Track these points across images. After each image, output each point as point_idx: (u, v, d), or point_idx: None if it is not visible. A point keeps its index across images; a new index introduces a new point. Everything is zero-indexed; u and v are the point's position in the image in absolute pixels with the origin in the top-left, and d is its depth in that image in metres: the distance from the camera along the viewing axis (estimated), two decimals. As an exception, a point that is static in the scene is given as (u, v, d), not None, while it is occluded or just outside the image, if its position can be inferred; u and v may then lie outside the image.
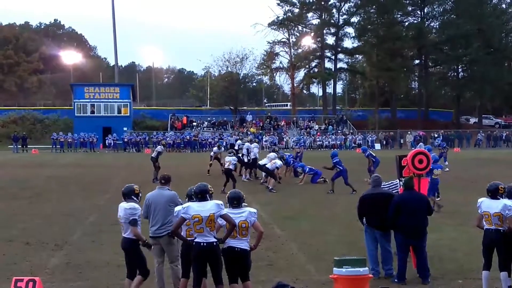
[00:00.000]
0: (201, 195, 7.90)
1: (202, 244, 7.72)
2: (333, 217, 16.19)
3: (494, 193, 9.01)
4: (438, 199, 17.81)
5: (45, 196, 20.56)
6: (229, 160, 22.25)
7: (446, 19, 72.17)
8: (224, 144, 49.90)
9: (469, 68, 72.79)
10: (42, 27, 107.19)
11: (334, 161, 21.82)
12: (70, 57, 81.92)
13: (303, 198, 20.32)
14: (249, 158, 25.10)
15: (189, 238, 8.07)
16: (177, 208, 8.53)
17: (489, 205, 8.95)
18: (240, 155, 26.24)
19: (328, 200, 19.63)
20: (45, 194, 21.19)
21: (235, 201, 8.06)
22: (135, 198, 8.65)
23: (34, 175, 27.45)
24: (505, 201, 8.87)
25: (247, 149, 25.62)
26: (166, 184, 9.39)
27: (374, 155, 24.66)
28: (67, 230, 14.20)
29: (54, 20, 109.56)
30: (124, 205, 8.54)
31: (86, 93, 59.04)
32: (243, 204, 8.18)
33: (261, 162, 23.94)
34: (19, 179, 25.67)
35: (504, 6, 75.19)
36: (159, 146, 26.64)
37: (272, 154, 23.93)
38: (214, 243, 7.78)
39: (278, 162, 22.94)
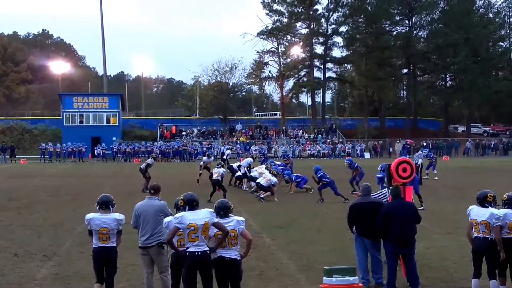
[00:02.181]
0: (196, 203, 7.91)
1: (196, 253, 7.68)
2: (323, 226, 16.18)
3: (482, 201, 9.05)
4: (422, 208, 17.78)
5: (34, 207, 20.42)
6: (218, 171, 22.18)
7: (434, 29, 72.72)
8: (215, 153, 50.12)
9: (457, 77, 73.34)
10: (31, 37, 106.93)
11: (319, 175, 21.83)
12: (58, 67, 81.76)
13: (292, 207, 20.30)
14: (245, 171, 25.27)
15: (180, 249, 8.04)
16: (166, 219, 8.49)
17: (477, 213, 8.99)
18: (236, 166, 26.40)
19: (318, 209, 19.61)
20: (33, 204, 21.05)
21: (222, 211, 8.03)
22: (112, 208, 8.65)
23: (23, 185, 27.30)
24: (493, 210, 8.89)
25: (250, 164, 26.18)
26: (155, 194, 9.33)
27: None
28: (55, 241, 14.10)
29: (43, 30, 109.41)
30: (114, 216, 8.53)
31: (75, 103, 58.86)
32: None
33: (253, 176, 24.06)
34: (7, 190, 25.51)
35: (491, 15, 75.87)
36: (150, 159, 26.47)
37: (266, 172, 23.65)
38: (208, 252, 7.77)
39: (273, 179, 22.81)
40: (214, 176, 22.14)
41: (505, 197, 9.15)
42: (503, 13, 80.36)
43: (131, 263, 11.51)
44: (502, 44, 79.12)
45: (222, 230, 7.84)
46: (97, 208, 8.66)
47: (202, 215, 7.78)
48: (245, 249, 8.16)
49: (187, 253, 7.72)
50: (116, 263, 8.71)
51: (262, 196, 21.86)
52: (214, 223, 7.80)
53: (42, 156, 51.23)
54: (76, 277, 10.71)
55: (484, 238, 8.89)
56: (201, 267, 7.75)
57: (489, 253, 8.91)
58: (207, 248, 7.76)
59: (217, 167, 22.88)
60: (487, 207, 8.97)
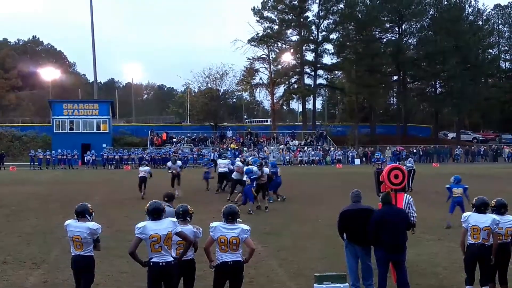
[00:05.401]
0: (157, 214, 7.67)
1: (161, 264, 7.49)
2: (314, 233, 16.17)
3: (479, 208, 9.09)
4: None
5: (23, 214, 20.29)
6: (144, 170, 25.19)
7: (424, 36, 73.24)
8: (205, 159, 50.38)
9: (447, 84, 73.77)
10: (21, 43, 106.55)
11: (249, 175, 21.39)
12: (48, 74, 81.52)
13: (283, 214, 20.28)
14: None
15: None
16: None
17: (478, 219, 8.99)
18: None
19: (309, 216, 19.61)
20: (23, 211, 20.92)
21: (230, 217, 7.95)
22: (88, 217, 8.44)
23: (12, 192, 27.13)
24: (494, 216, 8.96)
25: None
26: (169, 201, 9.41)
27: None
28: (45, 249, 14.01)
29: (33, 36, 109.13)
30: (88, 225, 8.31)
31: (65, 109, 58.64)
32: (238, 220, 8.10)
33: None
34: (-4, 197, 25.33)
35: (480, 23, 76.50)
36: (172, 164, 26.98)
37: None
38: (172, 262, 7.60)
39: (265, 169, 22.65)
40: (141, 174, 24.98)
41: (493, 203, 9.22)
42: (492, 21, 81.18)
43: (122, 271, 11.48)
44: (491, 51, 79.85)
45: (185, 239, 7.79)
46: (75, 216, 8.55)
47: (165, 225, 7.58)
48: (247, 256, 8.08)
49: (151, 263, 7.52)
50: (91, 272, 8.41)
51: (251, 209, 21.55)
52: (178, 232, 7.68)
53: (32, 163, 50.99)
54: (65, 285, 10.62)
55: (482, 245, 8.92)
56: (165, 278, 7.57)
57: (484, 259, 8.95)
58: (171, 259, 7.60)
59: (142, 166, 26.18)
60: (486, 213, 9.03)
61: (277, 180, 23.95)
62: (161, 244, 7.48)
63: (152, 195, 22.20)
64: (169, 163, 28.36)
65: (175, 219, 7.86)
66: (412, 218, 10.67)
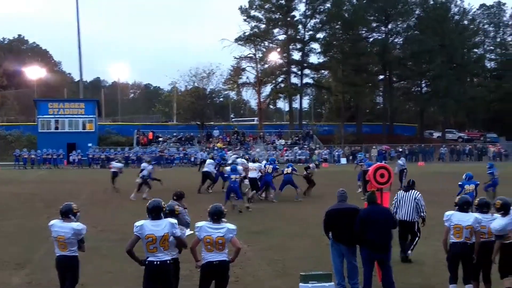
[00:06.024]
0: (155, 213, 7.64)
1: (155, 263, 7.48)
2: (300, 232, 16.17)
3: (462, 206, 9.15)
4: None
5: (7, 214, 20.13)
6: (115, 166, 27.14)
7: (410, 35, 73.61)
8: (191, 159, 50.52)
9: (433, 83, 74.11)
10: (6, 42, 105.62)
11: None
12: (34, 73, 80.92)
13: (270, 213, 20.27)
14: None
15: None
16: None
17: (460, 218, 9.05)
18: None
19: (295, 216, 19.62)
20: (7, 211, 20.75)
21: (215, 216, 7.94)
22: (73, 217, 8.37)
23: (-4, 192, 26.93)
24: (476, 215, 9.03)
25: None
26: (178, 200, 9.43)
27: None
28: (29, 249, 13.90)
29: (18, 35, 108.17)
30: (72, 225, 8.24)
31: (50, 108, 58.29)
32: (223, 220, 8.07)
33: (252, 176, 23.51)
34: (-20, 197, 25.12)
35: (466, 22, 76.94)
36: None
37: (257, 164, 23.71)
38: (168, 261, 7.59)
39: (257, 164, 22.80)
40: (113, 170, 26.96)
41: (476, 202, 9.33)
42: (478, 20, 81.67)
43: (107, 271, 11.43)
44: (476, 50, 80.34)
45: (181, 243, 7.92)
46: (60, 216, 8.48)
47: (163, 226, 7.56)
48: (232, 256, 8.08)
49: (146, 263, 7.52)
50: (76, 272, 8.38)
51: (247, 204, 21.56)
52: (176, 236, 7.69)
53: (17, 163, 50.66)
54: (49, 286, 10.54)
55: (464, 243, 8.98)
56: (160, 277, 7.53)
57: (467, 258, 9.01)
58: (167, 258, 7.57)
59: (115, 162, 28.52)
60: (468, 212, 9.09)
61: (285, 178, 24.04)
62: (157, 245, 7.46)
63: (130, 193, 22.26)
64: (144, 164, 28.43)
65: (174, 221, 7.80)
66: (422, 214, 12.34)
